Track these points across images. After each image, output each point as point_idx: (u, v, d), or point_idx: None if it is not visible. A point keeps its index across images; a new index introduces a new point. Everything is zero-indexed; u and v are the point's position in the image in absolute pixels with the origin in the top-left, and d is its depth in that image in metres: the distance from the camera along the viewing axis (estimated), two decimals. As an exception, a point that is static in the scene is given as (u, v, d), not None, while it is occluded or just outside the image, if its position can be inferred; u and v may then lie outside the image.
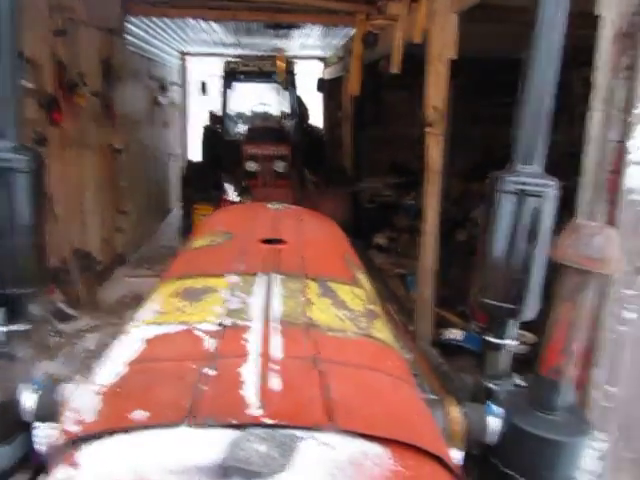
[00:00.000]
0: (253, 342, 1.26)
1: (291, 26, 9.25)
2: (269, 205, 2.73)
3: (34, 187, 1.53)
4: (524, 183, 1.54)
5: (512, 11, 5.91)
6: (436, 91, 4.84)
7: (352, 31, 8.65)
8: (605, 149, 2.74)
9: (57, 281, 5.55)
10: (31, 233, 1.56)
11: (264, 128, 8.85)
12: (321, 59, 13.67)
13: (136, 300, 6.58)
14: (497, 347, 1.69)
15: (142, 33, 9.15)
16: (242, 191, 8.13)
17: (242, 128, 9.78)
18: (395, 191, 12.26)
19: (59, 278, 5.61)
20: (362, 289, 1.79)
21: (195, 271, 1.81)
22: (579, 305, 1.48)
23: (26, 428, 1.47)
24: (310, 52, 12.98)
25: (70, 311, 5.67)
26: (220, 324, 1.37)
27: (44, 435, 1.44)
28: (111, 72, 7.46)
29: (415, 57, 7.60)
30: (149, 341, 1.33)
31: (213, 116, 10.53)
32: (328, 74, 12.54)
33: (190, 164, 9.36)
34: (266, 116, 10.15)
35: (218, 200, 8.00)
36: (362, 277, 1.97)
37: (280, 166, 8.31)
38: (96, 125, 6.90)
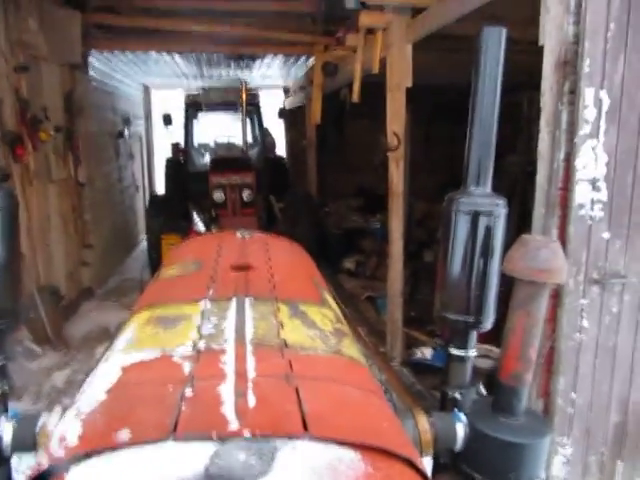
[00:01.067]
0: (229, 363, 1.30)
1: (252, 57, 9.44)
2: (236, 233, 2.79)
3: (7, 224, 1.58)
4: (476, 203, 1.68)
5: (461, 39, 6.23)
6: (395, 118, 5.03)
7: (312, 60, 8.87)
8: (554, 167, 2.92)
9: (22, 317, 5.45)
10: (5, 269, 1.58)
11: (229, 158, 8.94)
12: (282, 88, 13.92)
13: (103, 335, 6.50)
14: (460, 358, 1.79)
15: (104, 67, 9.21)
16: (210, 220, 8.17)
17: (207, 159, 9.87)
18: (361, 215, 12.45)
19: (24, 314, 5.50)
20: (330, 309, 1.86)
21: (167, 299, 1.84)
22: (531, 314, 1.58)
23: (4, 462, 1.48)
24: (272, 82, 13.21)
25: (36, 348, 5.56)
26: (195, 348, 1.39)
27: (24, 466, 1.45)
28: (74, 106, 7.47)
29: (374, 85, 7.89)
30: (126, 368, 1.36)
31: (176, 148, 10.58)
32: (289, 103, 12.77)
33: (154, 196, 9.35)
34: (230, 146, 10.26)
35: (186, 230, 8.00)
36: (329, 298, 2.03)
37: (246, 194, 8.39)
38: (59, 159, 6.87)
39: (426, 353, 5.14)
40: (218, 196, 8.31)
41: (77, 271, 7.58)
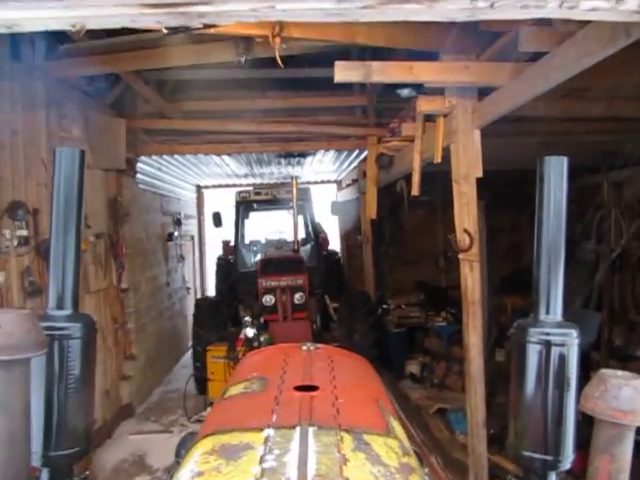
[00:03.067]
0: None
1: (303, 154, 9.13)
2: (302, 346, 2.75)
3: (86, 353, 1.67)
4: (548, 334, 1.66)
5: (526, 121, 5.59)
6: (465, 213, 4.31)
7: (365, 152, 8.44)
8: None
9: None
10: (81, 396, 1.66)
11: (279, 258, 8.38)
12: (335, 182, 13.64)
13: (137, 467, 5.72)
14: None
15: (154, 170, 9.10)
16: (259, 327, 7.50)
17: (258, 257, 9.38)
18: (422, 311, 11.56)
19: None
20: (396, 439, 1.77)
21: (231, 424, 1.80)
22: (616, 458, 1.48)
23: None
24: (324, 176, 12.95)
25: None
26: None
27: None
28: (119, 211, 7.21)
29: (430, 174, 7.29)
30: None
31: (226, 246, 10.17)
32: (342, 196, 12.37)
33: (201, 300, 8.79)
34: (281, 243, 9.76)
35: (233, 339, 7.35)
36: (396, 425, 1.93)
37: (297, 297, 7.72)
38: (99, 268, 6.48)
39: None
40: (267, 300, 7.68)
41: (115, 387, 6.97)
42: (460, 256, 4.34)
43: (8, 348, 1.41)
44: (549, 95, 3.71)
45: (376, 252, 10.72)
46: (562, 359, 1.63)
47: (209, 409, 7.60)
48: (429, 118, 5.46)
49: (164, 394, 8.38)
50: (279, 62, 3.77)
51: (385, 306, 11.34)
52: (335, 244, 12.47)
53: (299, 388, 2.01)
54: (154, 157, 8.39)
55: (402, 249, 13.00)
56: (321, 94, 8.18)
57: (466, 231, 4.26)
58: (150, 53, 5.27)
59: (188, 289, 11.85)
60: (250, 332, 7.43)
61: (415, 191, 5.33)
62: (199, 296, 12.74)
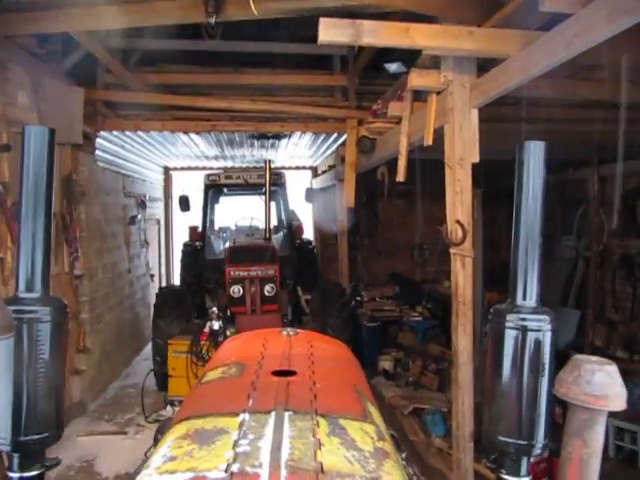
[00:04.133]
0: None
1: (278, 136, 8.56)
2: (281, 330, 2.77)
3: (56, 336, 1.66)
4: (525, 319, 1.68)
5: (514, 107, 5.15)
6: (459, 202, 3.84)
7: (344, 136, 7.93)
8: None
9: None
10: (51, 380, 1.65)
11: (249, 246, 7.82)
12: (310, 168, 13.10)
13: (84, 473, 5.15)
14: None
15: (116, 148, 8.42)
16: (226, 320, 6.96)
17: (227, 245, 8.80)
18: (397, 304, 11.19)
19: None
20: (372, 424, 1.74)
21: (206, 409, 1.78)
22: (588, 442, 1.51)
23: None
24: (299, 162, 12.38)
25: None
26: (228, 471, 1.35)
27: None
28: (73, 190, 6.55)
29: (411, 163, 6.80)
30: None
31: (193, 232, 9.54)
32: (318, 183, 11.84)
33: (163, 289, 8.14)
34: (252, 230, 9.19)
35: (197, 332, 6.79)
36: (372, 410, 1.90)
37: (268, 288, 7.20)
38: (49, 252, 5.83)
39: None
40: (235, 291, 7.13)
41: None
42: (451, 250, 3.87)
43: None
44: (553, 74, 3.27)
45: (350, 242, 10.27)
46: (538, 344, 1.64)
47: (169, 408, 7.10)
48: (418, 98, 4.99)
49: (121, 389, 7.78)
50: (254, 11, 3.21)
51: (358, 298, 10.93)
52: (309, 233, 11.96)
53: (277, 373, 2.00)
54: (116, 133, 7.71)
55: (377, 240, 12.60)
56: (299, 72, 7.65)
57: (458, 222, 3.79)
58: (109, 10, 4.63)
59: (152, 276, 11.19)
60: (215, 325, 6.89)
61: (400, 176, 4.85)
62: (164, 284, 12.11)
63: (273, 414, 1.64)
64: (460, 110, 3.85)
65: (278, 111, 7.45)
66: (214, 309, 7.51)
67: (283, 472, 1.34)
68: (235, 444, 1.47)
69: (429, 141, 4.22)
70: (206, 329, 6.72)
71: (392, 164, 7.17)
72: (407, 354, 9.57)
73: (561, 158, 7.77)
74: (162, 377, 7.00)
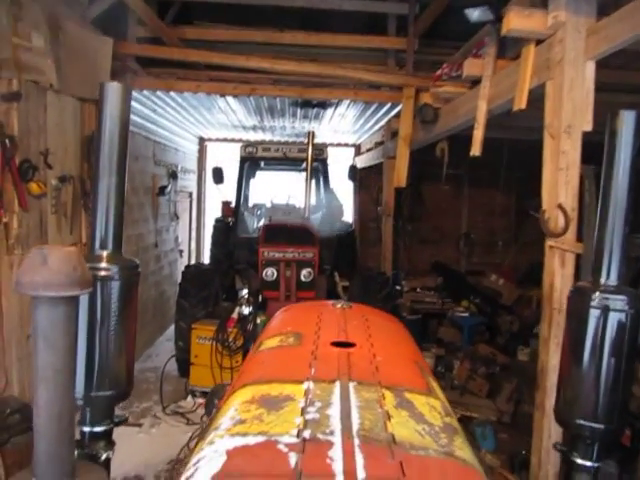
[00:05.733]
0: (336, 460, 1.22)
1: (323, 105, 7.73)
2: (334, 303, 2.67)
3: (128, 296, 1.74)
4: (607, 299, 1.62)
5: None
6: (562, 181, 2.99)
7: (398, 108, 7.06)
8: None
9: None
10: (122, 339, 1.73)
11: (286, 225, 7.07)
12: (353, 146, 12.24)
13: None
14: (584, 469, 1.63)
15: (147, 111, 7.74)
16: (256, 306, 6.26)
17: (261, 223, 8.08)
18: (439, 296, 10.38)
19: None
20: (438, 400, 1.69)
21: (269, 376, 1.78)
22: None
23: None
24: (342, 138, 11.53)
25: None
26: (300, 436, 1.31)
27: None
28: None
29: (461, 144, 5.90)
30: (232, 453, 1.30)
31: (226, 207, 8.83)
32: (361, 161, 10.99)
33: (190, 267, 7.48)
34: (289, 209, 8.44)
35: (225, 317, 6.12)
36: (435, 386, 1.84)
37: (305, 273, 6.46)
38: (63, 219, 5.20)
39: None
40: (269, 274, 6.42)
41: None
42: (548, 242, 3.03)
43: (54, 285, 1.38)
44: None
45: (396, 229, 9.46)
46: (621, 326, 1.56)
47: (189, 398, 6.49)
48: (501, 55, 4.12)
49: (140, 373, 7.18)
50: None
51: (398, 288, 10.14)
52: (349, 215, 11.16)
53: (335, 344, 1.95)
54: (147, 93, 7.02)
55: (421, 226, 11.75)
56: (350, 33, 6.81)
57: (561, 207, 2.95)
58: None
59: (181, 252, 10.60)
60: (245, 311, 6.22)
61: (476, 150, 4.01)
62: (193, 261, 11.51)
63: (338, 383, 1.60)
64: (572, 62, 2.97)
65: (326, 75, 6.61)
66: (244, 292, 6.84)
67: (356, 441, 1.29)
68: (303, 411, 1.43)
69: (522, 104, 3.36)
70: (234, 315, 6.06)
71: (454, 139, 6.34)
72: (449, 351, 8.78)
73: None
74: (184, 363, 6.38)
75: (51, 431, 1.48)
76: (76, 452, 1.61)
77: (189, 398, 6.10)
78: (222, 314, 6.26)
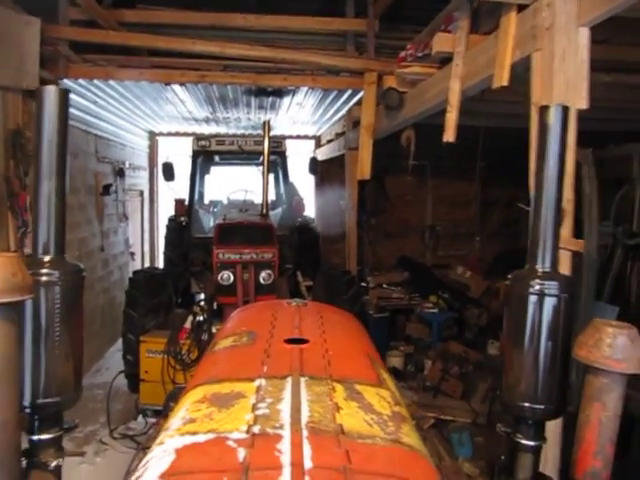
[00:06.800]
0: (285, 452, 1.24)
1: (280, 93, 7.21)
2: (289, 302, 2.71)
3: (73, 300, 1.71)
4: (542, 284, 1.70)
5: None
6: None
7: (359, 95, 6.61)
8: None
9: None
10: (68, 344, 1.69)
11: (242, 223, 6.53)
12: (313, 138, 11.76)
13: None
14: (528, 448, 1.74)
15: (86, 103, 7.07)
16: (211, 313, 5.72)
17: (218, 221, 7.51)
18: (406, 292, 10.04)
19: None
20: (388, 390, 1.75)
21: (221, 375, 1.80)
22: (608, 406, 1.53)
23: None
24: (301, 130, 11.03)
25: None
26: (249, 432, 1.33)
27: None
28: (24, 149, 5.24)
29: (424, 132, 5.51)
30: (181, 451, 1.31)
31: (180, 205, 8.21)
32: (322, 153, 10.51)
33: (138, 273, 6.81)
34: (246, 205, 7.90)
35: (177, 328, 5.57)
36: (386, 377, 1.91)
37: (264, 275, 5.95)
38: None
39: None
40: (225, 277, 5.87)
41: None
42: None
43: None
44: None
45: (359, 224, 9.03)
46: (556, 310, 1.68)
47: (140, 419, 5.91)
48: (473, 30, 3.70)
49: (87, 389, 6.50)
50: None
51: (364, 284, 9.74)
52: (310, 209, 10.69)
53: (289, 341, 1.99)
54: (84, 83, 6.36)
55: (385, 220, 11.37)
56: (307, 15, 6.33)
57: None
58: None
59: (133, 255, 9.93)
60: (200, 319, 5.67)
61: (450, 136, 3.58)
62: (147, 264, 10.84)
63: (289, 379, 1.63)
64: (564, 29, 2.56)
65: (281, 60, 6.10)
66: (201, 298, 6.29)
67: (304, 433, 1.32)
68: (254, 407, 1.46)
69: (503, 80, 2.93)
70: (187, 324, 5.50)
71: (420, 127, 5.94)
72: (418, 349, 8.46)
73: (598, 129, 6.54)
74: (134, 379, 5.79)
75: None
76: (25, 461, 1.63)
77: (140, 418, 5.53)
78: (175, 324, 5.70)
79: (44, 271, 1.62)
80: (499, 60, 2.96)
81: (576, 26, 2.57)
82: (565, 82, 2.57)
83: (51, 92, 1.66)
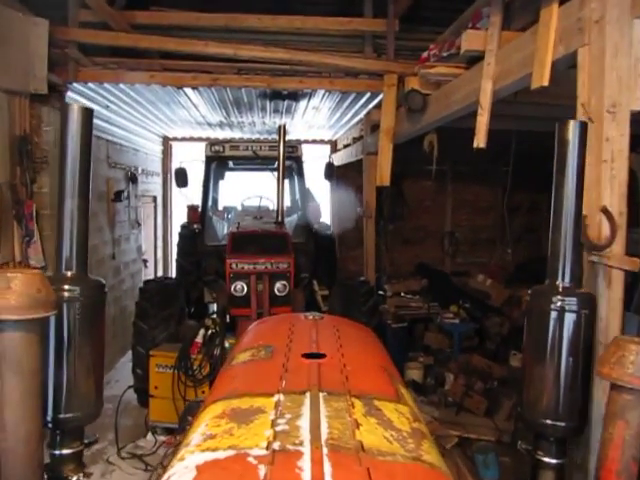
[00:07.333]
0: (305, 470, 1.22)
1: (295, 96, 6.97)
2: (306, 315, 2.72)
3: (95, 316, 1.84)
4: (563, 300, 1.71)
5: None
6: (606, 177, 2.28)
7: (378, 98, 6.35)
8: None
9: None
10: (90, 359, 1.79)
11: (256, 232, 6.28)
12: (329, 143, 11.52)
13: None
14: (549, 466, 1.72)
15: (98, 107, 6.89)
16: (224, 326, 5.48)
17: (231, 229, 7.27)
18: (425, 300, 9.73)
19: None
20: (406, 406, 1.73)
21: (240, 390, 1.79)
22: (631, 423, 1.46)
23: None
24: (316, 134, 10.79)
25: None
26: (270, 448, 1.32)
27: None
28: (30, 155, 5.07)
29: (444, 137, 5.28)
30: (201, 468, 1.30)
31: (193, 212, 8.00)
32: (339, 159, 10.25)
33: (149, 283, 6.57)
34: (260, 212, 7.68)
35: (189, 341, 5.33)
36: (404, 392, 1.89)
37: (279, 286, 5.69)
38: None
39: None
40: (238, 288, 5.62)
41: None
42: (589, 257, 2.33)
43: (19, 308, 1.46)
44: None
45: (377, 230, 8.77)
46: (577, 326, 1.65)
47: (149, 436, 5.68)
48: (505, 27, 3.42)
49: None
50: None
51: (381, 293, 9.47)
52: (326, 215, 10.41)
53: (306, 356, 1.97)
54: (94, 87, 6.18)
55: (403, 226, 11.10)
56: (324, 15, 6.07)
57: (605, 211, 2.24)
58: None
59: (145, 262, 9.74)
60: (210, 332, 5.43)
61: (481, 141, 3.29)
62: (160, 271, 10.66)
63: (308, 395, 1.61)
64: (616, 22, 2.27)
65: (297, 62, 5.85)
66: (213, 309, 6.07)
67: (324, 450, 1.30)
68: (273, 423, 1.45)
69: (544, 80, 2.64)
70: (199, 338, 5.26)
71: (439, 130, 5.66)
72: (438, 360, 8.14)
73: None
74: (144, 393, 5.57)
75: (18, 454, 1.50)
76: (46, 476, 1.62)
77: (149, 436, 5.29)
78: (187, 336, 5.47)
79: (66, 287, 1.70)
80: (539, 57, 2.68)
81: (630, 18, 2.28)
82: (617, 81, 2.28)
83: (75, 110, 1.73)
